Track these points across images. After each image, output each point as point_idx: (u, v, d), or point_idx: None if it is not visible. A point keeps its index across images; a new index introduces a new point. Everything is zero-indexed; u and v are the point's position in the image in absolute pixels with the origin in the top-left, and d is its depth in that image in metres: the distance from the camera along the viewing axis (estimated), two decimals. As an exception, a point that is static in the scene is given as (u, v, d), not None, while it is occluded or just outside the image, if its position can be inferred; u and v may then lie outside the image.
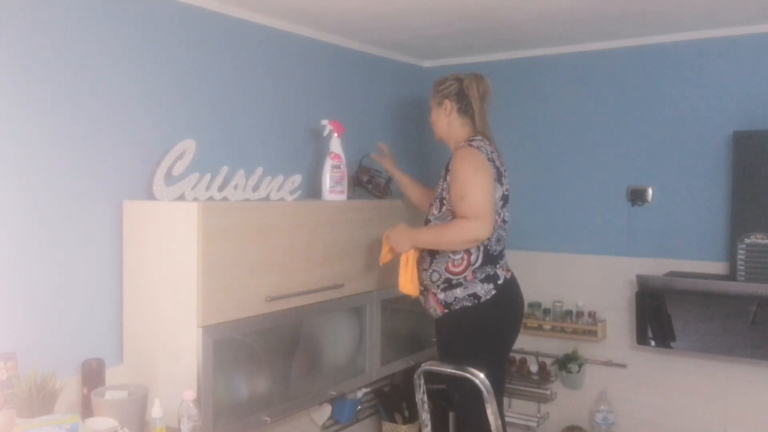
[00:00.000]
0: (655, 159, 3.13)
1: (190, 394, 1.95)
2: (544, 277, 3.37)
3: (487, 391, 2.24)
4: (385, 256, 2.59)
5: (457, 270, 2.42)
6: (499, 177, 2.44)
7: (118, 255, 2.23)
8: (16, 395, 1.87)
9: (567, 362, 3.25)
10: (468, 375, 2.26)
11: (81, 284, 2.14)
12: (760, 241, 2.74)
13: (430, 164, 3.74)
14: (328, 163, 2.73)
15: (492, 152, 2.47)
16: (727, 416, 2.98)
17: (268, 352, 2.38)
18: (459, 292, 2.42)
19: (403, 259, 2.51)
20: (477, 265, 2.42)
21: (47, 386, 1.90)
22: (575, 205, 3.34)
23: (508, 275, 2.50)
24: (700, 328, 2.88)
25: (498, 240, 2.48)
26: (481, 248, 2.42)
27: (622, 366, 3.21)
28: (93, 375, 2.08)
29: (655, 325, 2.98)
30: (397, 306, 2.96)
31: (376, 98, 3.41)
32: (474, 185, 2.35)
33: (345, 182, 2.76)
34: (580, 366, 3.24)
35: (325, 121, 2.80)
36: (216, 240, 2.09)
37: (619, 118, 3.22)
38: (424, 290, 2.54)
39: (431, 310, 2.52)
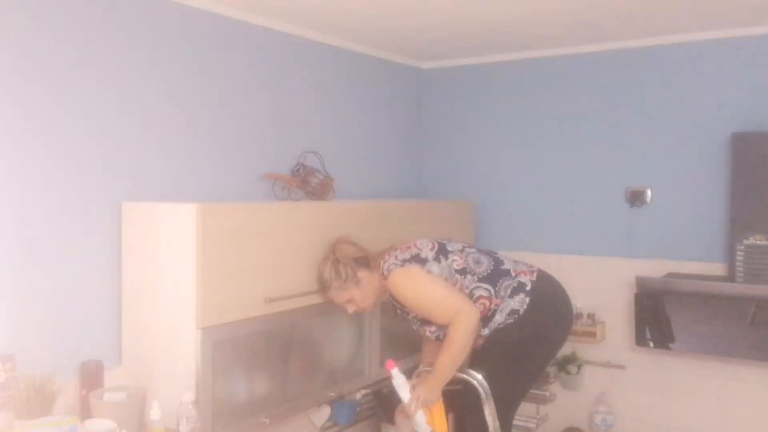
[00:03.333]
0: (653, 160, 3.13)
1: (188, 396, 1.95)
2: (543, 278, 3.36)
3: (485, 393, 2.24)
4: (441, 426, 2.38)
5: (486, 312, 2.40)
6: (417, 259, 2.41)
7: (116, 256, 2.23)
8: (15, 397, 1.86)
9: (566, 363, 3.25)
10: (466, 377, 2.26)
11: (80, 286, 2.14)
12: (758, 242, 2.74)
13: (429, 166, 3.74)
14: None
15: (394, 258, 2.42)
16: (726, 417, 2.98)
17: (267, 353, 2.38)
18: (499, 317, 2.40)
19: (435, 412, 2.36)
20: (494, 291, 2.41)
21: (46, 388, 1.91)
22: (574, 206, 3.34)
23: (534, 277, 2.46)
24: (699, 329, 2.88)
25: (477, 263, 2.45)
26: (481, 283, 2.41)
27: (621, 367, 3.21)
28: (92, 376, 2.08)
29: (654, 326, 2.98)
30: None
31: (374, 100, 3.41)
32: (427, 299, 2.35)
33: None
34: (579, 367, 3.24)
35: None
36: (215, 241, 2.09)
37: (618, 119, 3.22)
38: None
39: (476, 345, 2.48)
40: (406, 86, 3.64)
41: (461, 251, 2.48)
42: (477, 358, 2.51)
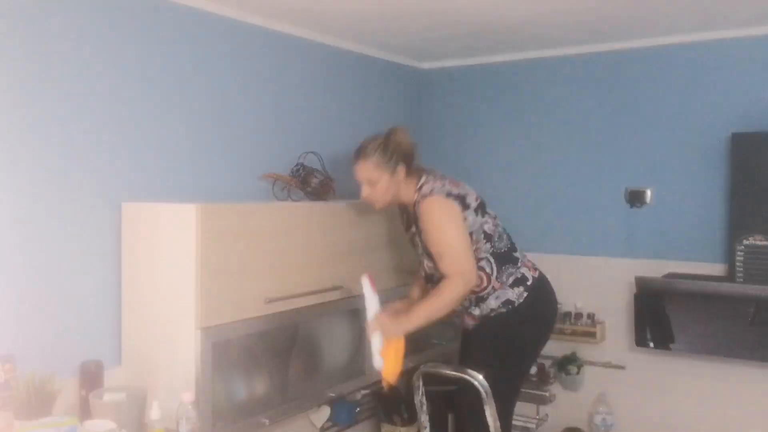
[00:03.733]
0: (653, 161, 3.13)
1: (188, 396, 1.95)
2: (543, 278, 3.36)
3: (486, 393, 2.24)
4: (391, 364, 2.32)
5: (482, 286, 2.40)
6: (462, 204, 2.37)
7: (116, 257, 2.23)
8: (15, 397, 1.87)
9: (566, 364, 3.25)
10: (467, 377, 2.26)
11: (80, 286, 2.14)
12: (758, 242, 2.74)
13: (429, 166, 3.73)
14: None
15: (442, 185, 2.38)
16: (725, 417, 2.98)
17: (267, 353, 2.38)
18: (493, 302, 2.40)
19: (391, 350, 2.31)
20: (496, 273, 2.40)
21: (45, 388, 1.90)
22: (574, 206, 3.34)
23: (536, 274, 2.47)
24: (698, 329, 2.88)
25: (499, 237, 2.45)
26: (491, 258, 2.40)
27: (621, 368, 3.21)
28: (91, 377, 2.08)
29: (654, 326, 2.98)
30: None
31: (374, 100, 3.41)
32: (446, 241, 2.32)
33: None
34: (579, 368, 3.24)
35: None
36: (214, 242, 2.09)
37: (618, 119, 3.22)
38: (457, 315, 2.49)
39: (466, 324, 2.51)
40: (406, 86, 3.64)
41: (494, 218, 2.47)
42: (469, 351, 2.51)
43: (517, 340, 2.42)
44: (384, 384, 2.38)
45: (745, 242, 2.76)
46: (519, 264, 2.45)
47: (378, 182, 2.39)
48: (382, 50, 3.37)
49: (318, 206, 2.59)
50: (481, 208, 2.43)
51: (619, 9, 2.62)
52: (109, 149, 2.21)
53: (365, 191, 2.42)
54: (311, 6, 2.56)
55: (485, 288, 2.40)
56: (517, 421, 3.31)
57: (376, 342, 2.32)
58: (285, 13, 2.66)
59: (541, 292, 2.47)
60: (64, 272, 2.10)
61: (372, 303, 2.35)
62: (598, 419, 3.18)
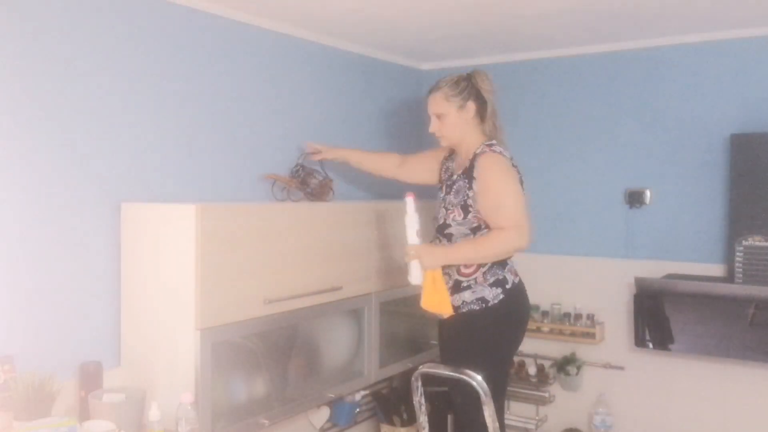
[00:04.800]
0: (652, 161, 3.14)
1: (187, 397, 1.95)
2: (543, 279, 3.37)
3: (485, 394, 2.23)
4: (429, 293, 2.33)
5: (468, 271, 2.40)
6: (521, 183, 2.42)
7: (116, 257, 2.23)
8: (14, 398, 1.87)
9: (565, 364, 3.25)
10: (465, 377, 2.26)
11: (79, 286, 2.14)
12: (757, 243, 2.74)
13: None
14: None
15: (511, 157, 2.44)
16: (725, 418, 2.98)
17: (266, 354, 2.38)
18: (467, 295, 2.41)
19: (428, 277, 2.33)
20: (487, 267, 2.40)
21: (45, 389, 1.90)
22: (573, 207, 3.34)
23: (516, 279, 2.48)
24: (698, 330, 2.88)
25: None
26: None
27: (621, 368, 3.21)
28: (90, 378, 2.08)
29: (653, 327, 2.98)
30: (395, 308, 2.96)
31: (374, 101, 3.41)
32: (507, 193, 2.33)
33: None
34: (578, 368, 3.24)
35: None
36: (214, 242, 2.09)
37: (617, 120, 3.22)
38: None
39: (438, 312, 2.52)
40: (406, 87, 3.64)
41: None
42: (447, 352, 2.52)
43: (492, 340, 2.42)
44: (430, 309, 2.34)
45: (745, 243, 2.76)
46: (506, 269, 2.45)
47: (446, 115, 2.41)
48: (382, 51, 3.37)
49: (317, 207, 2.59)
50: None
51: (618, 10, 2.62)
52: (109, 150, 2.21)
53: (433, 124, 2.45)
54: (311, 7, 2.56)
55: (470, 275, 2.40)
56: (516, 422, 3.32)
57: (415, 268, 2.33)
58: (285, 14, 2.66)
59: (518, 296, 2.48)
60: (64, 273, 2.10)
61: (412, 225, 2.34)
62: (597, 420, 3.19)
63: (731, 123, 2.93)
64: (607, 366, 3.24)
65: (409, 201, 2.36)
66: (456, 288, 2.43)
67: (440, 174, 2.65)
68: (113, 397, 2.02)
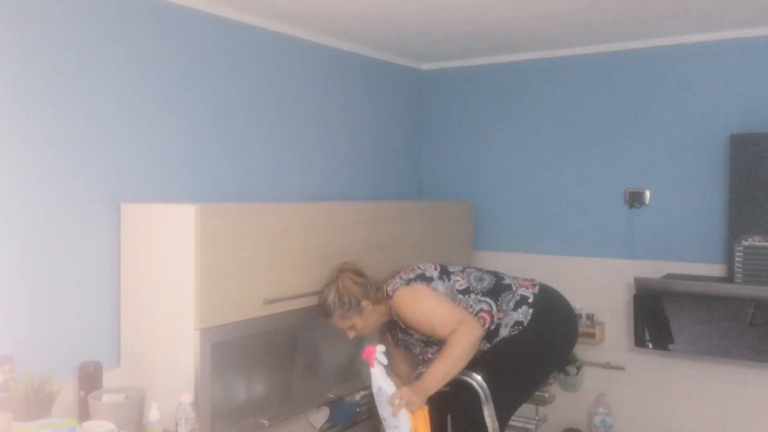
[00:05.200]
0: (652, 162, 3.14)
1: (187, 397, 1.95)
2: (543, 279, 3.32)
3: (485, 394, 2.24)
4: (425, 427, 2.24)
5: (487, 327, 2.41)
6: (422, 278, 2.43)
7: (115, 258, 2.23)
8: (13, 398, 1.86)
9: (565, 364, 3.25)
10: (465, 378, 2.26)
11: (78, 287, 2.14)
12: (757, 243, 2.74)
13: (429, 167, 3.74)
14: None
15: (399, 279, 2.44)
16: (725, 418, 2.98)
17: (266, 355, 2.38)
18: (504, 331, 2.42)
19: (419, 418, 2.22)
20: (495, 307, 2.43)
21: (44, 389, 1.90)
22: (573, 207, 3.34)
23: (536, 290, 2.49)
24: (697, 330, 2.88)
25: (479, 280, 2.48)
26: (483, 297, 2.43)
27: (620, 368, 3.21)
28: (90, 378, 2.08)
29: (653, 327, 2.98)
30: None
31: (374, 101, 3.41)
32: (429, 312, 2.35)
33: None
34: (578, 368, 3.24)
35: None
36: (213, 243, 2.09)
37: (617, 121, 3.22)
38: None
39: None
40: (406, 87, 3.64)
41: (462, 272, 2.51)
42: (477, 362, 2.51)
43: (527, 353, 2.43)
44: None
45: (744, 243, 2.76)
46: (514, 288, 2.47)
47: (355, 324, 2.45)
48: (382, 51, 3.37)
49: (317, 207, 2.59)
50: (444, 273, 2.48)
51: (617, 10, 2.62)
52: (108, 150, 2.21)
53: (351, 335, 2.48)
54: (311, 7, 2.56)
55: (492, 323, 2.42)
56: (516, 422, 3.32)
57: (404, 419, 2.19)
58: (285, 14, 2.66)
59: (549, 303, 2.49)
60: (63, 273, 2.10)
61: (384, 380, 2.21)
62: (597, 420, 3.18)
63: (731, 123, 2.93)
64: (607, 366, 3.24)
65: (372, 362, 2.20)
66: (490, 336, 2.42)
67: (394, 339, 2.62)
68: (113, 397, 2.02)
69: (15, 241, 1.98)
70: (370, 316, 2.45)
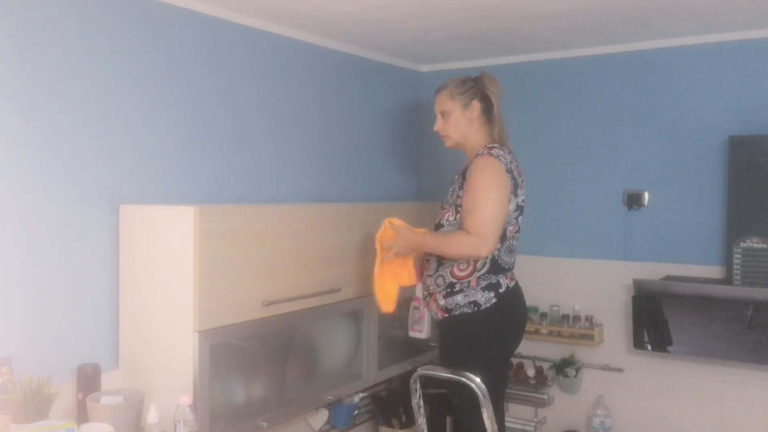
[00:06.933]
0: (651, 164, 3.14)
1: (186, 400, 1.95)
2: (541, 281, 3.37)
3: (483, 396, 2.23)
4: (383, 269, 2.51)
5: (462, 274, 2.40)
6: (515, 188, 2.39)
7: (114, 259, 2.23)
8: (11, 401, 1.86)
9: (564, 366, 3.25)
10: (464, 380, 2.26)
11: (77, 289, 2.13)
12: (755, 245, 2.74)
13: (428, 168, 3.74)
14: (411, 305, 2.72)
15: (510, 162, 2.41)
16: (723, 420, 2.98)
17: (265, 356, 2.37)
18: (460, 298, 2.41)
19: (401, 266, 2.47)
20: (482, 272, 2.40)
21: (42, 391, 1.90)
22: (572, 209, 3.34)
23: (512, 284, 2.47)
24: (696, 332, 2.88)
25: (509, 251, 2.45)
26: (490, 258, 2.40)
27: (619, 370, 3.21)
28: (88, 380, 2.07)
29: (652, 329, 2.98)
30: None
31: (373, 103, 3.41)
32: (485, 201, 2.31)
33: (423, 322, 2.67)
34: (577, 370, 3.24)
35: None
36: (212, 244, 2.09)
37: (616, 123, 3.23)
38: (428, 295, 2.53)
39: (433, 314, 2.53)
40: (405, 89, 3.64)
41: (518, 231, 2.47)
42: (443, 354, 2.54)
43: (484, 343, 2.42)
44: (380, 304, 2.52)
45: (743, 245, 2.76)
46: (501, 274, 2.44)
47: (450, 113, 2.44)
48: (381, 53, 3.37)
49: (316, 209, 2.59)
50: (520, 210, 2.45)
51: (616, 12, 2.62)
52: (107, 152, 2.21)
53: (438, 123, 2.47)
54: (311, 10, 2.56)
55: (464, 278, 2.40)
56: (515, 424, 3.32)
57: (426, 323, 2.49)
58: (284, 15, 2.66)
59: (512, 300, 2.46)
60: (62, 275, 2.09)
61: (418, 291, 2.53)
62: (596, 422, 3.18)
63: (729, 125, 2.93)
64: (606, 368, 3.24)
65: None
66: (450, 291, 2.42)
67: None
68: (111, 399, 2.02)
69: (14, 243, 1.98)
70: (467, 122, 2.44)
